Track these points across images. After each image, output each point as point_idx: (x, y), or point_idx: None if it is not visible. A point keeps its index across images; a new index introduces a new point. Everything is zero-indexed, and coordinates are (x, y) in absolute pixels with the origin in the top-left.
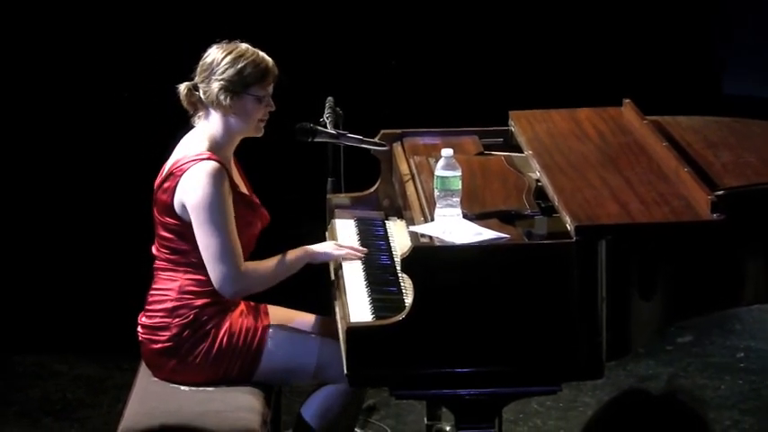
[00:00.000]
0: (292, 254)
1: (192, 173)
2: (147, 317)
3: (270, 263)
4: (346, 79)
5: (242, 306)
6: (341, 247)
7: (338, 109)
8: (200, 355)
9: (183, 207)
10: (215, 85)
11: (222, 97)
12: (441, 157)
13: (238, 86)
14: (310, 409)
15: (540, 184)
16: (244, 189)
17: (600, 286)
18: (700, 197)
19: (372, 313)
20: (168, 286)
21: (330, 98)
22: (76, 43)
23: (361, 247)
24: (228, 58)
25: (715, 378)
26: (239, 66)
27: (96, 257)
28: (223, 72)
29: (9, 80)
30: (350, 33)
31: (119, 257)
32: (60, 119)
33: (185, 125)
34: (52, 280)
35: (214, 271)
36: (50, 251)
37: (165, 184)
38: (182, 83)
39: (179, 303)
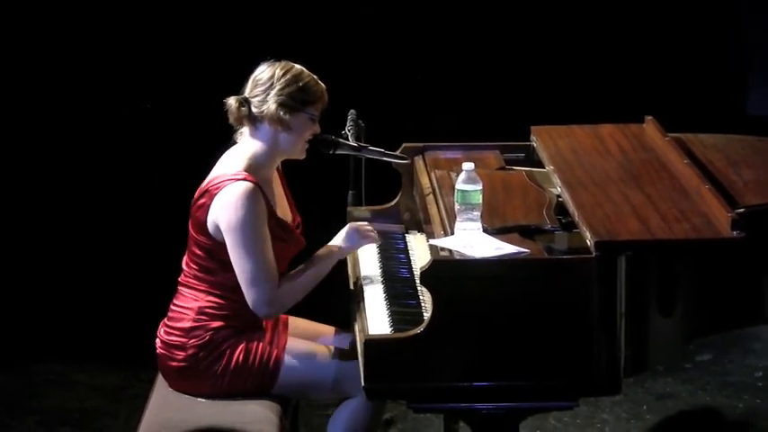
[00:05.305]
0: (321, 257)
1: (226, 193)
2: (165, 332)
3: (301, 274)
4: (369, 92)
5: (260, 325)
6: (364, 231)
7: (360, 122)
8: (216, 374)
9: (216, 227)
10: (274, 100)
11: (282, 112)
12: (462, 170)
13: (298, 103)
14: (337, 428)
15: (560, 199)
16: (280, 213)
17: (619, 302)
18: (721, 215)
19: (391, 326)
20: (188, 305)
21: (352, 111)
22: (103, 57)
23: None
24: (289, 75)
25: (733, 397)
26: (300, 84)
27: (117, 267)
28: (283, 88)
29: (33, 91)
30: (373, 46)
31: (139, 268)
32: (85, 131)
33: (209, 137)
34: (72, 289)
35: (249, 294)
36: (71, 261)
37: (200, 201)
38: (229, 96)
39: (196, 324)
